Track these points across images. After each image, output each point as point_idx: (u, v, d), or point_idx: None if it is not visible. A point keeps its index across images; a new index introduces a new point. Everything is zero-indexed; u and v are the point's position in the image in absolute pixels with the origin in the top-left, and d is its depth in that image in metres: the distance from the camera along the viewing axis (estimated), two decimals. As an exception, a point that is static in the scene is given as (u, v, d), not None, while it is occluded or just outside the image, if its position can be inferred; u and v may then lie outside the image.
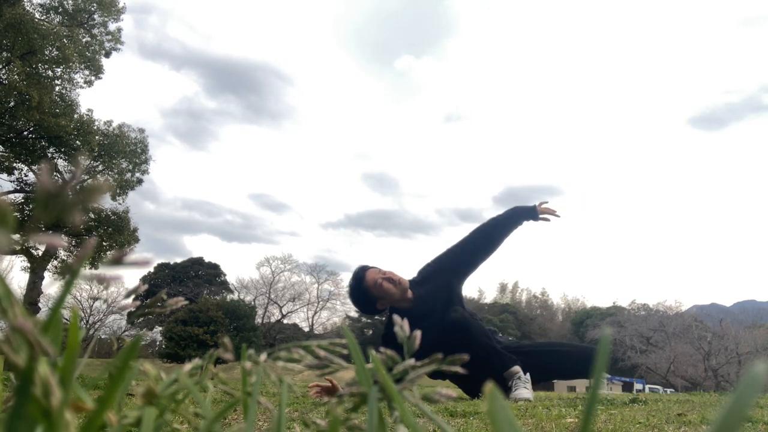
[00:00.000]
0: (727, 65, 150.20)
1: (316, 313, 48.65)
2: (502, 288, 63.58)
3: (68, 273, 0.35)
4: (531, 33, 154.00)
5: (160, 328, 36.28)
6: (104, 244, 19.14)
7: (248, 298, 44.03)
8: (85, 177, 14.06)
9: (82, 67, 18.80)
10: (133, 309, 0.57)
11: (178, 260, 46.37)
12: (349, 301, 3.65)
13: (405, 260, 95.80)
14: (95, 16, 19.21)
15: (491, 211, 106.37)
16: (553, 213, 3.56)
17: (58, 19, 18.54)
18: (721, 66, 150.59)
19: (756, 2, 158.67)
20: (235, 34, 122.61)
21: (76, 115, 18.38)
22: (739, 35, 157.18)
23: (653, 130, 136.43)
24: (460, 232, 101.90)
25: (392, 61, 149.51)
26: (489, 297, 63.45)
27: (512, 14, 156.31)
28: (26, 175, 19.39)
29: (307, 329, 47.87)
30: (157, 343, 39.09)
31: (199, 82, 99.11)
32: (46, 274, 19.95)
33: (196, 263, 45.18)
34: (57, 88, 18.23)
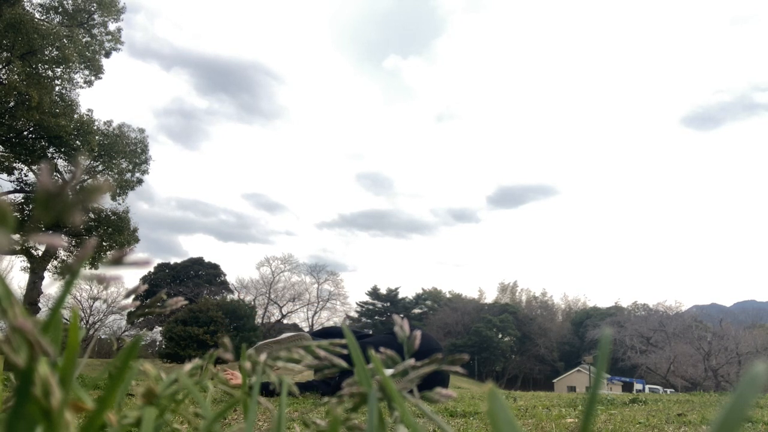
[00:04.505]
0: (718, 64, 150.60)
1: (316, 313, 48.68)
2: (503, 288, 63.58)
3: (68, 273, 0.35)
4: (522, 32, 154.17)
5: (160, 328, 36.28)
6: (104, 244, 19.12)
7: (248, 298, 44.04)
8: (85, 177, 14.06)
9: (82, 67, 18.79)
10: (133, 309, 0.57)
11: (176, 260, 46.46)
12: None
13: (402, 260, 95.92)
14: (95, 16, 19.21)
15: (486, 211, 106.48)
16: None
17: (58, 19, 18.53)
18: (713, 65, 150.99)
19: (747, 1, 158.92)
20: (225, 32, 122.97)
21: (76, 115, 18.37)
22: (731, 34, 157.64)
23: (647, 129, 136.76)
24: (456, 231, 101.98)
25: (384, 61, 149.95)
26: (489, 297, 63.49)
27: (503, 13, 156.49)
28: (26, 175, 19.39)
29: (307, 329, 47.84)
30: (157, 343, 39.08)
31: (191, 81, 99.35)
32: (46, 274, 19.95)
33: (196, 263, 45.16)
34: (57, 88, 18.22)
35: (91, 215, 19.32)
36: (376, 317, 59.34)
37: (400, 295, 61.45)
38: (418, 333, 0.47)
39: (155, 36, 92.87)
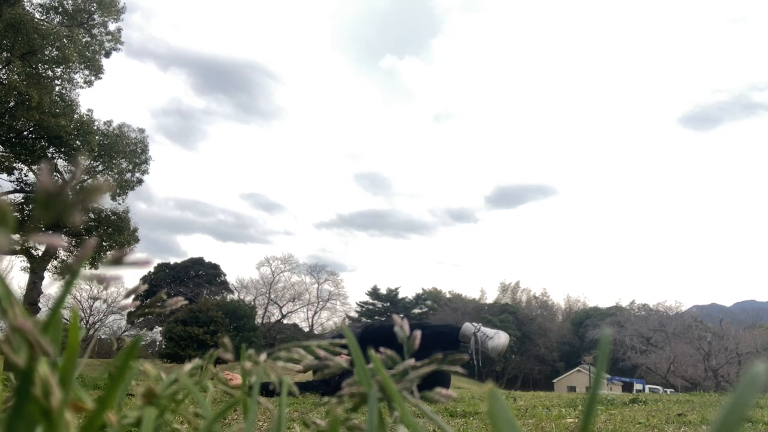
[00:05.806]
0: (716, 64, 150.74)
1: (316, 313, 48.66)
2: (503, 288, 63.57)
3: (68, 273, 0.35)
4: (520, 31, 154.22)
5: (160, 328, 36.26)
6: (104, 244, 19.12)
7: (248, 298, 44.02)
8: (85, 177, 14.05)
9: (82, 67, 18.79)
10: (133, 309, 0.57)
11: (175, 260, 46.39)
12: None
13: (401, 260, 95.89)
14: (95, 16, 19.20)
15: (484, 211, 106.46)
16: None
17: (58, 19, 18.53)
18: (711, 65, 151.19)
19: (745, 0, 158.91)
20: (222, 32, 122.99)
21: (76, 115, 18.36)
22: (729, 34, 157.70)
23: (645, 129, 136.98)
24: (455, 231, 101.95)
25: (382, 61, 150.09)
26: (490, 297, 63.49)
27: (500, 13, 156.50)
28: (26, 175, 19.38)
29: (307, 329, 47.84)
30: (157, 343, 39.06)
31: (188, 81, 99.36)
32: (46, 274, 19.94)
33: (196, 263, 45.15)
34: (57, 88, 18.21)
35: (91, 215, 19.32)
36: (376, 317, 59.29)
37: (400, 295, 61.46)
38: (417, 333, 0.47)
39: (152, 36, 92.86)
